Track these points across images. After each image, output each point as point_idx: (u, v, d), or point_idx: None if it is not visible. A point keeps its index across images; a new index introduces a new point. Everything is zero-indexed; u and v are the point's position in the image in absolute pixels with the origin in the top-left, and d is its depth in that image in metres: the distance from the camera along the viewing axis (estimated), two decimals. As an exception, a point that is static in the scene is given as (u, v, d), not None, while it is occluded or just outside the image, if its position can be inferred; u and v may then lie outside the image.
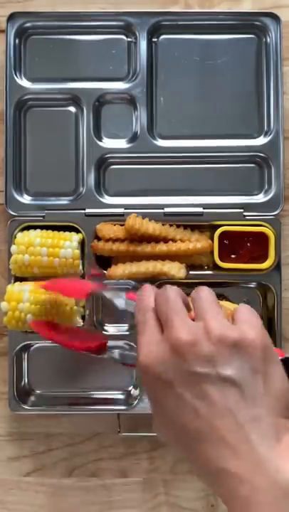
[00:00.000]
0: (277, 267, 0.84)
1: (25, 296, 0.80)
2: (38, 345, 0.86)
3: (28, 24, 0.86)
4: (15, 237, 0.83)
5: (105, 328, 0.86)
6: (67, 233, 0.83)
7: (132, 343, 0.82)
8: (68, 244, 0.82)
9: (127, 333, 0.85)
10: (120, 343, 0.81)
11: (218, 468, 0.47)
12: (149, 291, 0.57)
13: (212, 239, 0.84)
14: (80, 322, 0.83)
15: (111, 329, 0.86)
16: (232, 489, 0.46)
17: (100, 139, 0.87)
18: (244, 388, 0.48)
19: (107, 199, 0.86)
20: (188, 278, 0.83)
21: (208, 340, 0.49)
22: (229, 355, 0.49)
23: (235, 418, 0.47)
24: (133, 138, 0.86)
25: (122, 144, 0.87)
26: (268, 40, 0.86)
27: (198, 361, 0.49)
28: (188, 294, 0.85)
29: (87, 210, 0.85)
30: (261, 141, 0.86)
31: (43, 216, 0.85)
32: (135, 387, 0.85)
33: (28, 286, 0.81)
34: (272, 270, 0.84)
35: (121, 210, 0.85)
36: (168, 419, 0.50)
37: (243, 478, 0.46)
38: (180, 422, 0.49)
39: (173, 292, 0.55)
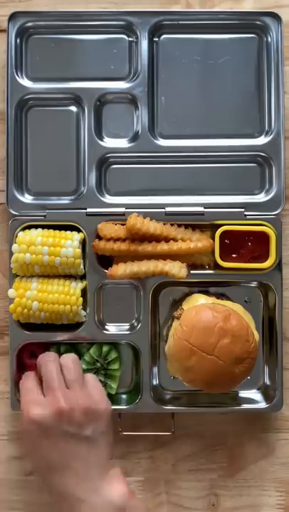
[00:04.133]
0: (278, 266, 0.84)
1: (34, 284, 0.82)
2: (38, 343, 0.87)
3: (29, 24, 0.86)
4: (16, 236, 0.83)
5: (106, 327, 0.86)
6: (68, 232, 0.83)
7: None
8: (69, 243, 0.82)
9: (128, 332, 0.85)
10: None
11: (66, 492, 0.74)
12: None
13: (213, 238, 0.84)
14: (84, 318, 0.84)
15: (112, 328, 0.86)
16: (75, 507, 0.73)
17: (101, 139, 0.87)
18: (94, 442, 0.76)
19: (109, 198, 0.86)
20: (190, 277, 0.83)
21: (79, 410, 0.75)
22: (89, 420, 0.76)
23: (85, 460, 0.75)
24: (134, 137, 0.87)
25: (123, 143, 0.87)
26: (269, 39, 0.86)
27: (71, 424, 0.75)
28: (188, 294, 0.85)
29: (89, 210, 0.85)
30: (262, 140, 0.86)
31: (45, 215, 0.85)
32: (136, 385, 0.86)
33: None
34: (273, 269, 0.84)
35: (122, 210, 0.85)
36: (39, 455, 0.76)
37: (85, 500, 0.73)
38: (47, 458, 0.75)
39: (53, 364, 0.78)
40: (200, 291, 0.85)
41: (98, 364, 0.85)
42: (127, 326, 0.86)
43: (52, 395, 0.76)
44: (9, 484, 0.88)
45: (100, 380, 0.84)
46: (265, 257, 0.83)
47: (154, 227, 0.83)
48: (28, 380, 0.80)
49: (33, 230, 0.84)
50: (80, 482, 0.74)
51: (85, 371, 0.84)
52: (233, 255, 0.84)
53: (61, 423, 0.74)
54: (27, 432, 0.76)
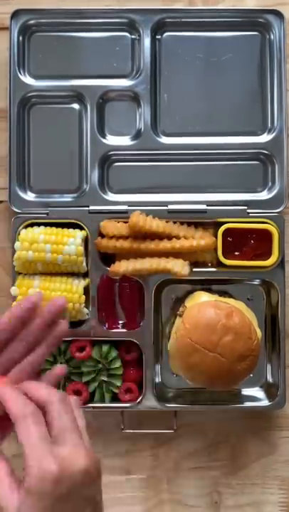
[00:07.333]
0: (280, 263, 0.84)
1: (36, 282, 0.82)
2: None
3: (31, 21, 0.86)
4: (19, 234, 0.83)
5: (107, 326, 0.86)
6: (71, 230, 0.83)
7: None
8: (72, 241, 0.82)
9: (130, 330, 0.85)
10: None
11: None
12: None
13: (216, 236, 0.84)
14: (86, 315, 0.84)
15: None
16: None
17: (104, 136, 0.87)
18: None
19: (111, 196, 0.86)
20: (192, 275, 0.83)
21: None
22: None
23: None
24: (137, 135, 0.87)
25: (125, 141, 0.87)
26: (272, 37, 0.86)
27: None
28: (191, 291, 0.85)
29: (91, 207, 0.85)
30: (265, 138, 0.86)
31: (47, 213, 0.85)
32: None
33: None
34: (275, 267, 0.84)
35: (125, 208, 0.85)
36: None
37: None
38: None
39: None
40: (203, 289, 0.85)
41: (100, 365, 0.84)
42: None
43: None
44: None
45: (104, 381, 0.84)
46: (267, 254, 0.83)
47: (156, 224, 0.83)
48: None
49: (35, 228, 0.84)
50: None
51: (88, 373, 0.84)
52: (236, 253, 0.84)
53: None
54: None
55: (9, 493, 0.52)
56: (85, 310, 0.83)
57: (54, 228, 0.83)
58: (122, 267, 0.82)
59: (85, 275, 0.85)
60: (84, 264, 0.83)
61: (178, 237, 0.83)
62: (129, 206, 0.85)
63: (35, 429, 0.53)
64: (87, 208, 0.85)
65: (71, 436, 0.53)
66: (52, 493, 0.50)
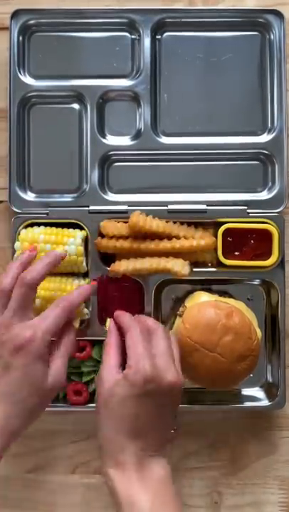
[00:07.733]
0: (280, 263, 0.84)
1: None
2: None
3: (31, 21, 0.86)
4: (19, 234, 0.83)
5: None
6: (71, 230, 0.83)
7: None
8: (72, 241, 0.82)
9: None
10: None
11: None
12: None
13: (216, 236, 0.84)
14: (86, 315, 0.83)
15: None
16: None
17: (104, 136, 0.87)
18: None
19: (111, 196, 0.86)
20: (192, 275, 0.83)
21: None
22: None
23: None
24: (137, 135, 0.87)
25: (125, 141, 0.87)
26: (272, 37, 0.86)
27: None
28: (191, 291, 0.85)
29: (91, 207, 0.85)
30: (265, 138, 0.86)
31: (47, 213, 0.85)
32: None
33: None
34: (275, 267, 0.84)
35: (125, 208, 0.85)
36: None
37: None
38: None
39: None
40: (203, 289, 0.85)
41: (100, 365, 0.84)
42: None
43: None
44: (10, 481, 0.87)
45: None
46: (267, 254, 0.83)
47: (156, 224, 0.83)
48: None
49: (35, 228, 0.84)
50: None
51: (88, 373, 0.84)
52: (236, 253, 0.84)
53: None
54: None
55: (114, 370, 0.70)
56: (85, 310, 0.83)
57: (54, 228, 0.83)
58: (122, 266, 0.82)
59: (85, 275, 0.85)
60: (84, 264, 0.83)
61: (178, 237, 0.83)
62: (129, 206, 0.85)
63: (141, 338, 0.71)
64: (87, 208, 0.85)
65: (166, 357, 0.70)
66: (141, 387, 0.68)
